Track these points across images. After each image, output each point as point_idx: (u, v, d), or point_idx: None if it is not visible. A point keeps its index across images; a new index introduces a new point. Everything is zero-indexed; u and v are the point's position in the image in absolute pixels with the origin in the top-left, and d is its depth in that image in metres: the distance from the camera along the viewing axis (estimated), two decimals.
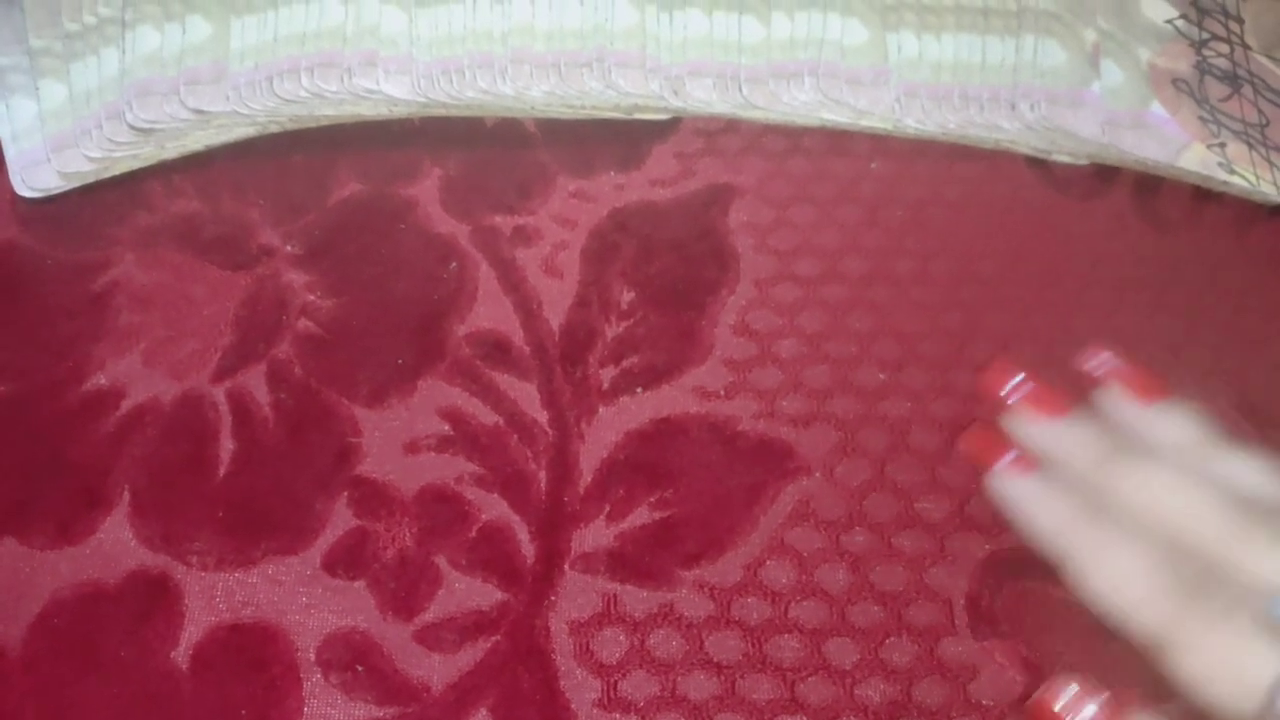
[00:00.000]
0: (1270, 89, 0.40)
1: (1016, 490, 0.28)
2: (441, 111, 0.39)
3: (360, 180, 0.40)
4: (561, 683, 0.32)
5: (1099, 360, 0.30)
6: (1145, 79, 0.39)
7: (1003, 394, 0.30)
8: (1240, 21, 0.41)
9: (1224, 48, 0.40)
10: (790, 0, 0.39)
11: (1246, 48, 0.41)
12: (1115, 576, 0.26)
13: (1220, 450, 0.27)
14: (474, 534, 0.34)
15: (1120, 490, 0.27)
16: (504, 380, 0.36)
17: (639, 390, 0.36)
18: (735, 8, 0.39)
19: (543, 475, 0.35)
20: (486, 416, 0.36)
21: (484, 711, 0.32)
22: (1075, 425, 0.29)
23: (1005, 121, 0.39)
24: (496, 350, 0.37)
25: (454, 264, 0.38)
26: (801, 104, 0.38)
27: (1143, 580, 0.25)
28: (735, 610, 0.33)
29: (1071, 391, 0.30)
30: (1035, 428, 0.29)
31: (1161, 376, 0.30)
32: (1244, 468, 0.26)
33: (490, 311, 0.37)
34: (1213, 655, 0.23)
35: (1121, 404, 0.29)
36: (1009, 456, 0.29)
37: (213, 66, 0.38)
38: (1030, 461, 0.29)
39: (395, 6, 0.38)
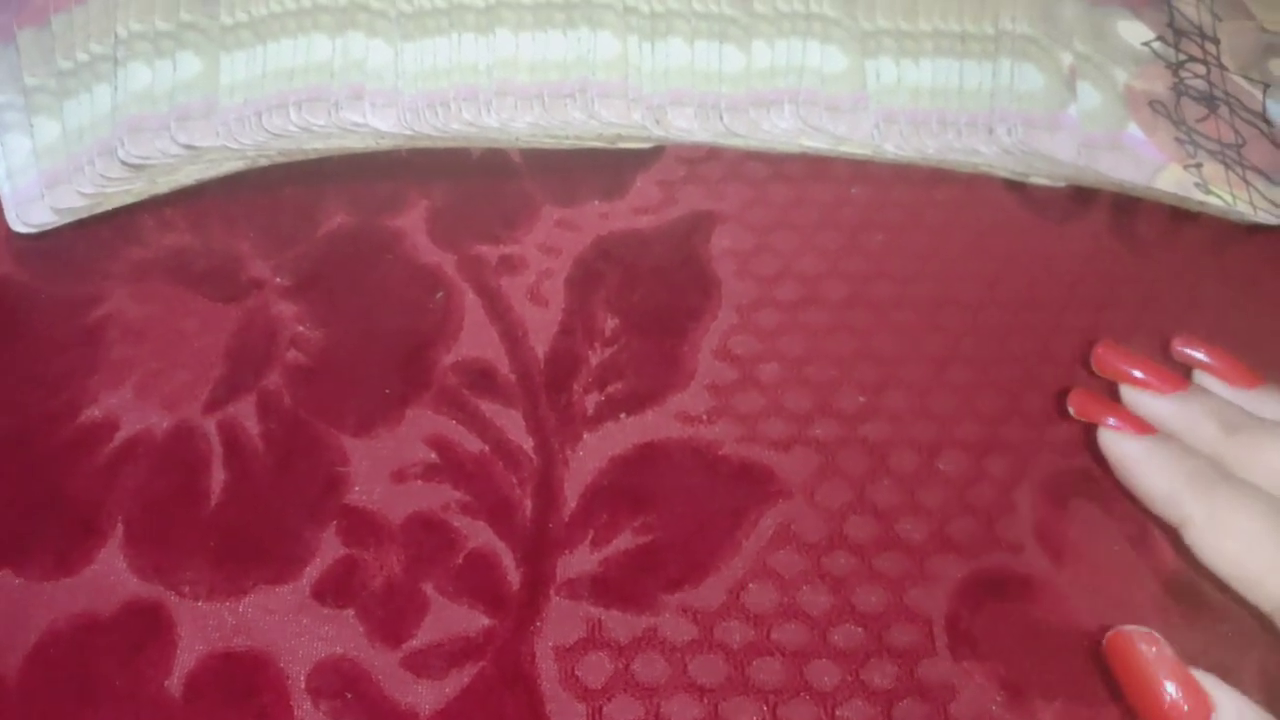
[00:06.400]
0: (1246, 109, 0.41)
1: (1133, 449, 0.27)
2: (428, 143, 0.39)
3: (348, 212, 0.41)
4: (547, 707, 0.32)
5: (1194, 350, 0.30)
6: (1122, 101, 0.40)
7: (1119, 369, 0.29)
8: (1216, 42, 0.41)
9: (1200, 69, 0.41)
10: (770, 28, 0.39)
11: (1223, 68, 0.41)
12: (1243, 539, 0.24)
13: None
14: (460, 561, 0.35)
15: (1250, 458, 0.26)
16: (490, 408, 0.37)
17: (623, 416, 0.37)
18: (716, 36, 0.39)
19: (528, 502, 0.35)
20: (472, 444, 0.36)
21: None
22: (1190, 399, 0.28)
23: (983, 146, 0.39)
24: (482, 378, 0.37)
25: (440, 293, 0.39)
26: (782, 131, 0.39)
27: (1272, 544, 0.24)
28: (718, 633, 0.34)
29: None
30: (1150, 400, 0.28)
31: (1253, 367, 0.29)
32: None
33: (476, 340, 0.38)
34: None
35: (1223, 388, 0.28)
36: (1121, 417, 0.28)
37: (203, 102, 0.38)
38: (1144, 425, 0.28)
39: (382, 41, 0.39)
